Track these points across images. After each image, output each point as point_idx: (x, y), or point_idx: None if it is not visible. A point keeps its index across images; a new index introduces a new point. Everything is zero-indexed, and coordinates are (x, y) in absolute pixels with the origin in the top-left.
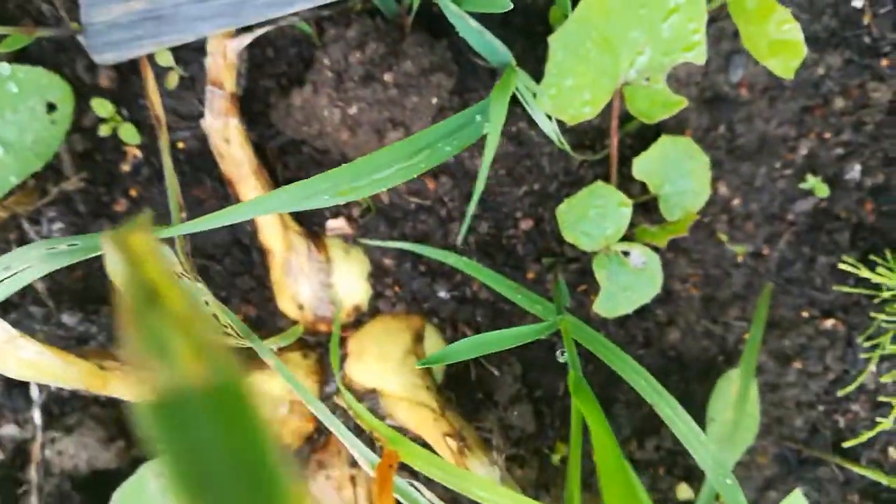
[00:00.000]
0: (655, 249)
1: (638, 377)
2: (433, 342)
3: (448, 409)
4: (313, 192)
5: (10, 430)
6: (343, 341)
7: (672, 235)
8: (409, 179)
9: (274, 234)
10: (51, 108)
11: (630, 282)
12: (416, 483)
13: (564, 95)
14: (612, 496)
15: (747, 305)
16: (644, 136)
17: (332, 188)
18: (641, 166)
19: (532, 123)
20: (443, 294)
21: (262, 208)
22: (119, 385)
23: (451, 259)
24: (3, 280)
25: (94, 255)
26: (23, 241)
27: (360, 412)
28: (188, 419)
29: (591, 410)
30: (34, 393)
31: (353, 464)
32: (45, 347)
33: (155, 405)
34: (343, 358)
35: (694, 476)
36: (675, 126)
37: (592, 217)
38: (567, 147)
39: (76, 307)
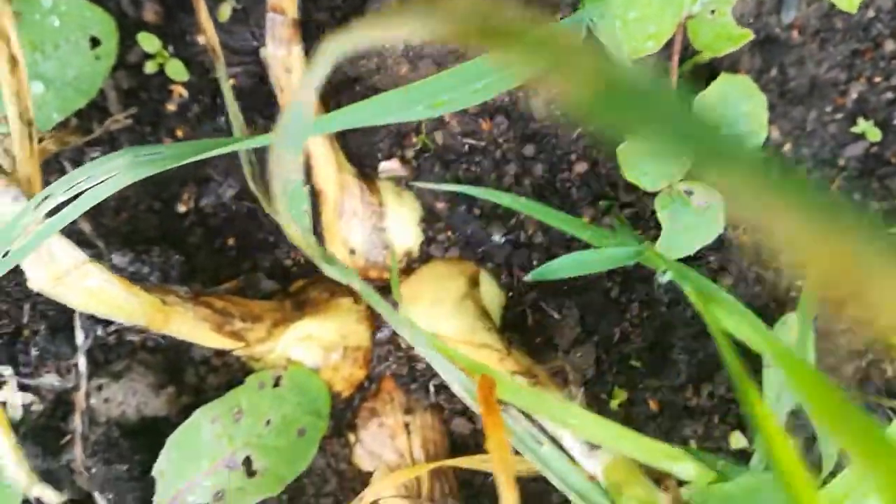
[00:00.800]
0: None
1: (729, 311)
2: (488, 287)
3: (513, 349)
4: (410, 102)
5: (51, 379)
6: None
7: None
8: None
9: (328, 175)
10: (94, 43)
11: (692, 222)
12: (511, 409)
13: (628, 28)
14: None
15: None
16: (698, 77)
17: (428, 97)
18: (700, 106)
19: None
20: (497, 238)
21: (359, 117)
22: (180, 322)
23: (506, 200)
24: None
25: (180, 163)
26: None
27: (432, 343)
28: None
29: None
30: (79, 338)
31: (407, 411)
32: (113, 276)
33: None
34: (395, 303)
35: (747, 424)
36: (728, 69)
37: (655, 155)
38: None
39: (126, 248)
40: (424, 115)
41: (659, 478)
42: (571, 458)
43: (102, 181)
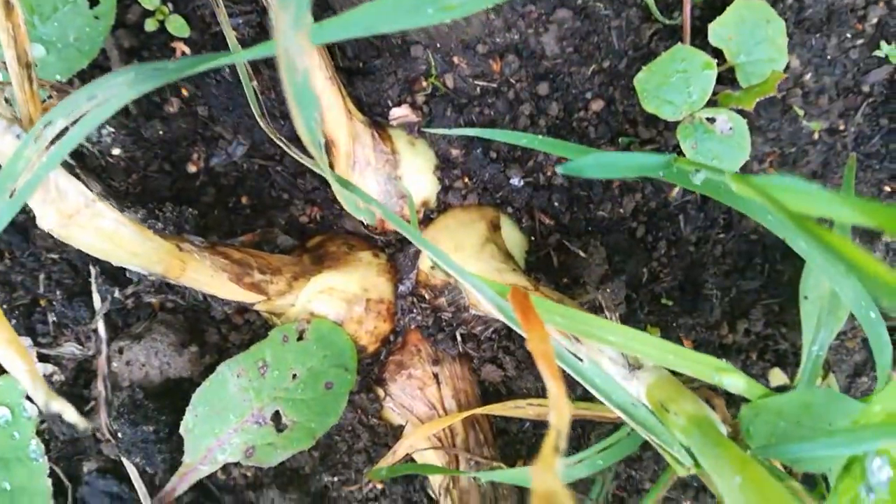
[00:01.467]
0: (741, 114)
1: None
2: (510, 232)
3: (542, 286)
4: (418, 4)
5: (71, 347)
6: None
7: (760, 96)
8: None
9: (338, 123)
10: (93, 2)
11: (717, 150)
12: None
13: None
14: None
15: (826, 183)
16: (713, 7)
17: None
18: (717, 31)
19: None
20: (516, 181)
21: (361, 23)
22: (198, 271)
23: (523, 140)
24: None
25: (181, 75)
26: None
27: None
28: None
29: None
30: (96, 302)
31: (435, 362)
32: (126, 217)
33: None
34: (415, 255)
35: (786, 361)
36: None
37: (675, 82)
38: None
39: (138, 205)
40: (435, 18)
41: (706, 397)
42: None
43: (104, 101)
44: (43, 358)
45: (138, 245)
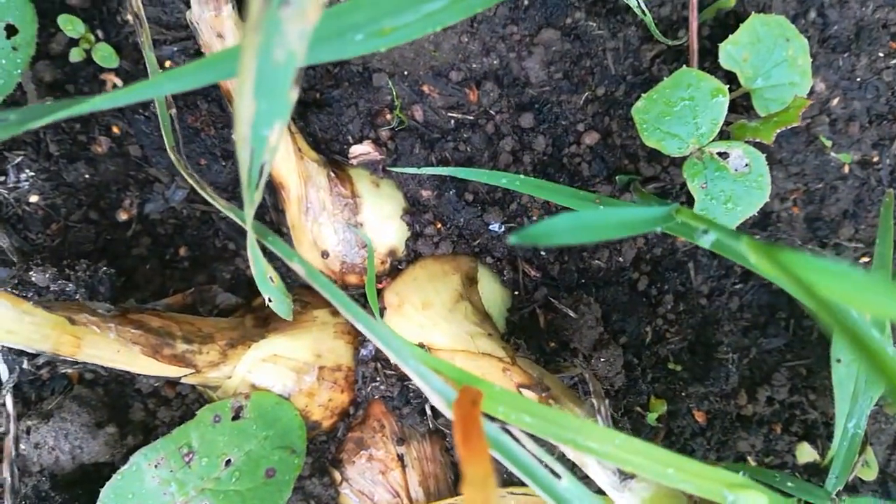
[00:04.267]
0: (759, 147)
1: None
2: (488, 285)
3: (520, 357)
4: (342, 28)
5: None
6: (378, 294)
7: (781, 127)
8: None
9: (287, 164)
10: (10, 31)
11: (732, 190)
12: (509, 428)
13: None
14: None
15: (860, 223)
16: (724, 25)
17: (369, 23)
18: (730, 52)
19: (590, 13)
20: (495, 227)
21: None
22: (97, 346)
23: (504, 181)
24: None
25: (28, 127)
26: None
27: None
28: None
29: None
30: (3, 373)
31: (401, 440)
32: None
33: None
34: (380, 313)
35: (815, 433)
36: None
37: (679, 112)
38: (650, 18)
39: (49, 263)
40: (366, 48)
41: None
42: (600, 492)
43: None
44: None
45: (12, 322)
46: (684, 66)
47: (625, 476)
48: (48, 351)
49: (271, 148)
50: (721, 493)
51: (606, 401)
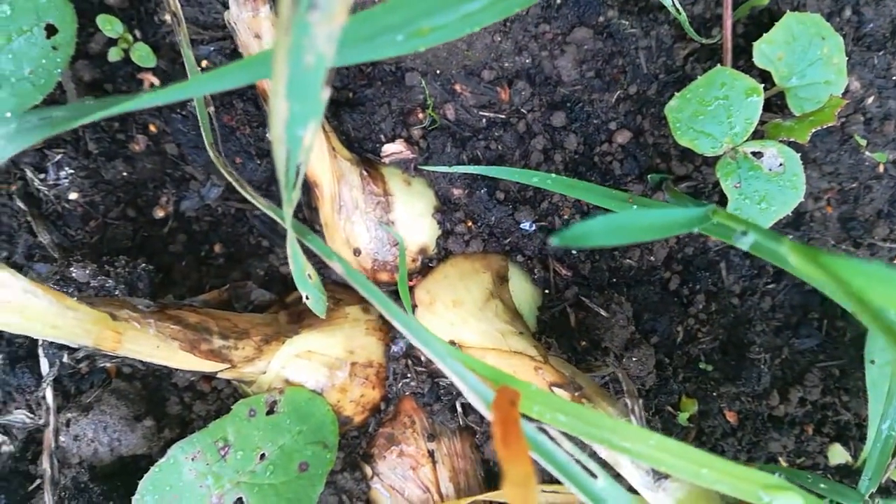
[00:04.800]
0: (794, 147)
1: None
2: (519, 284)
3: (551, 356)
4: (381, 29)
5: (20, 416)
6: (409, 292)
7: (816, 126)
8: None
9: (320, 163)
10: (50, 31)
11: (766, 190)
12: (545, 428)
13: None
14: None
15: (895, 223)
16: (759, 24)
17: (405, 24)
18: (764, 51)
19: (623, 11)
20: (526, 226)
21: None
22: (137, 341)
23: (535, 180)
24: None
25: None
26: (26, 192)
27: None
28: None
29: None
30: (44, 367)
31: (431, 437)
32: (36, 285)
33: None
34: (411, 311)
35: (848, 434)
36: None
37: (713, 111)
38: (684, 16)
39: (89, 259)
40: (406, 48)
41: None
42: (633, 491)
43: None
44: None
45: (56, 317)
46: (718, 64)
47: (659, 476)
48: (90, 345)
49: (306, 148)
50: (757, 494)
51: (640, 400)
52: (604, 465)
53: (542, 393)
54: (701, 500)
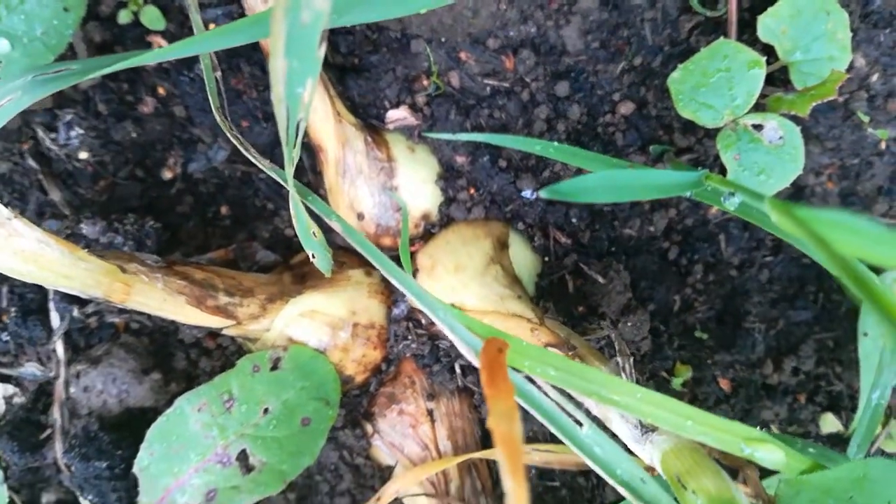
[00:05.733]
0: (794, 120)
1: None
2: (519, 251)
3: (548, 319)
4: None
5: (32, 368)
6: (411, 257)
7: (817, 100)
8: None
9: (325, 127)
10: None
11: (765, 162)
12: (535, 379)
13: None
14: None
15: (894, 200)
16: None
17: None
18: (768, 25)
19: None
20: (528, 194)
21: (352, 14)
22: (146, 294)
23: (538, 148)
24: None
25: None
26: (37, 151)
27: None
28: None
29: None
30: (54, 320)
31: (431, 396)
32: (50, 236)
33: None
34: (413, 275)
35: (840, 405)
36: None
37: (715, 83)
38: None
39: (98, 216)
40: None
41: (736, 466)
42: (622, 445)
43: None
44: (3, 378)
45: (69, 267)
46: (722, 37)
47: (646, 429)
48: (100, 297)
49: (305, 105)
50: (738, 446)
51: (631, 359)
52: (593, 419)
53: (533, 347)
54: (687, 453)
